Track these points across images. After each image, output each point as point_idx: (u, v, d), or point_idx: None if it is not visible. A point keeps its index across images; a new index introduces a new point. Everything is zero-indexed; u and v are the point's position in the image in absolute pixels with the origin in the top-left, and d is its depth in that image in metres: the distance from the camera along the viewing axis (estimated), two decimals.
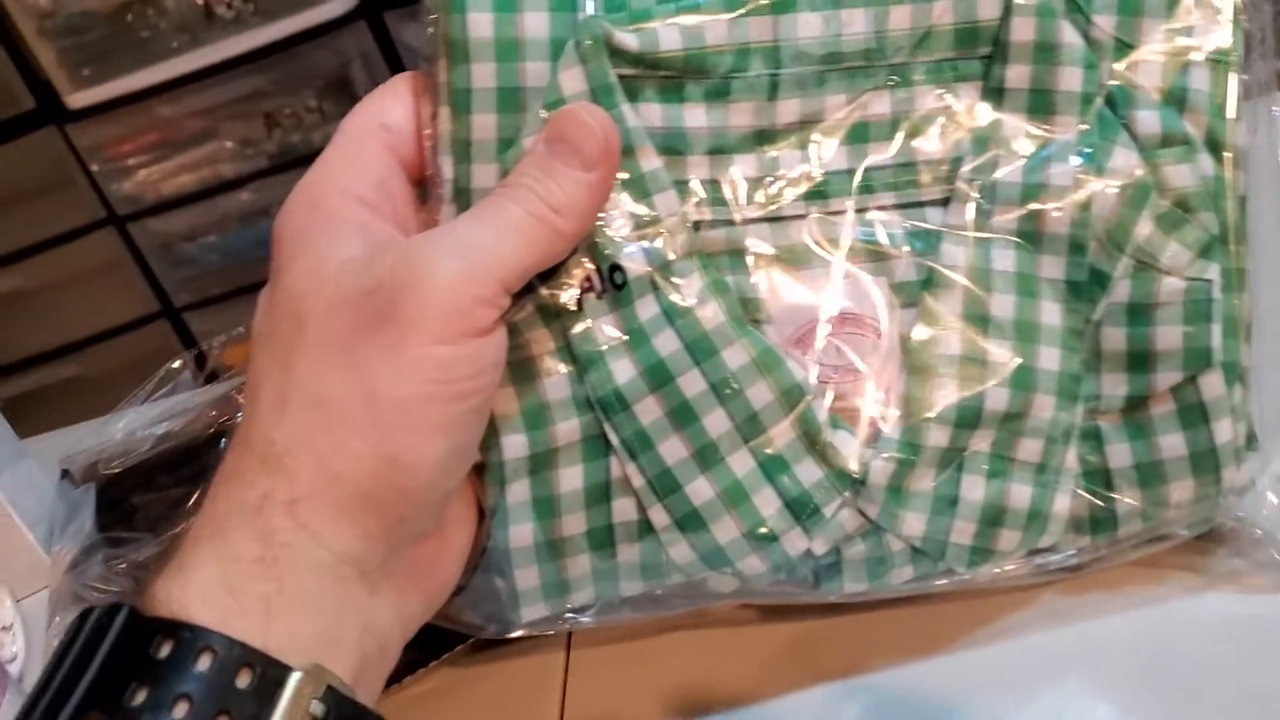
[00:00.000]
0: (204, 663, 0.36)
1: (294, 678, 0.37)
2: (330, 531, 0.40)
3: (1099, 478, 0.51)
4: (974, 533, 0.50)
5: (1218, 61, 0.49)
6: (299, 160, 1.62)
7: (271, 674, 0.37)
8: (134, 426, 0.71)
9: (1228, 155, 0.49)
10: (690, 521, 0.49)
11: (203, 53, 1.51)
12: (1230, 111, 0.49)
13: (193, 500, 0.62)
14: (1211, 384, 0.49)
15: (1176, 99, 0.48)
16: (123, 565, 0.61)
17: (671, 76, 0.47)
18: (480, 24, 0.45)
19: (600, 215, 0.46)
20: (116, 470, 0.68)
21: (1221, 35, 0.48)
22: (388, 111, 0.47)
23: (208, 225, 1.66)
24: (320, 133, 1.60)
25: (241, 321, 0.75)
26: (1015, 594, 0.53)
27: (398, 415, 0.40)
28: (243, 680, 0.36)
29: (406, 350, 0.40)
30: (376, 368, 0.40)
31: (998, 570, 0.51)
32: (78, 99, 1.52)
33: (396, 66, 1.50)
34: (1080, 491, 0.51)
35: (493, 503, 0.48)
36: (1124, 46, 0.48)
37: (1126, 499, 0.50)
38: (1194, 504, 0.51)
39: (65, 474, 0.73)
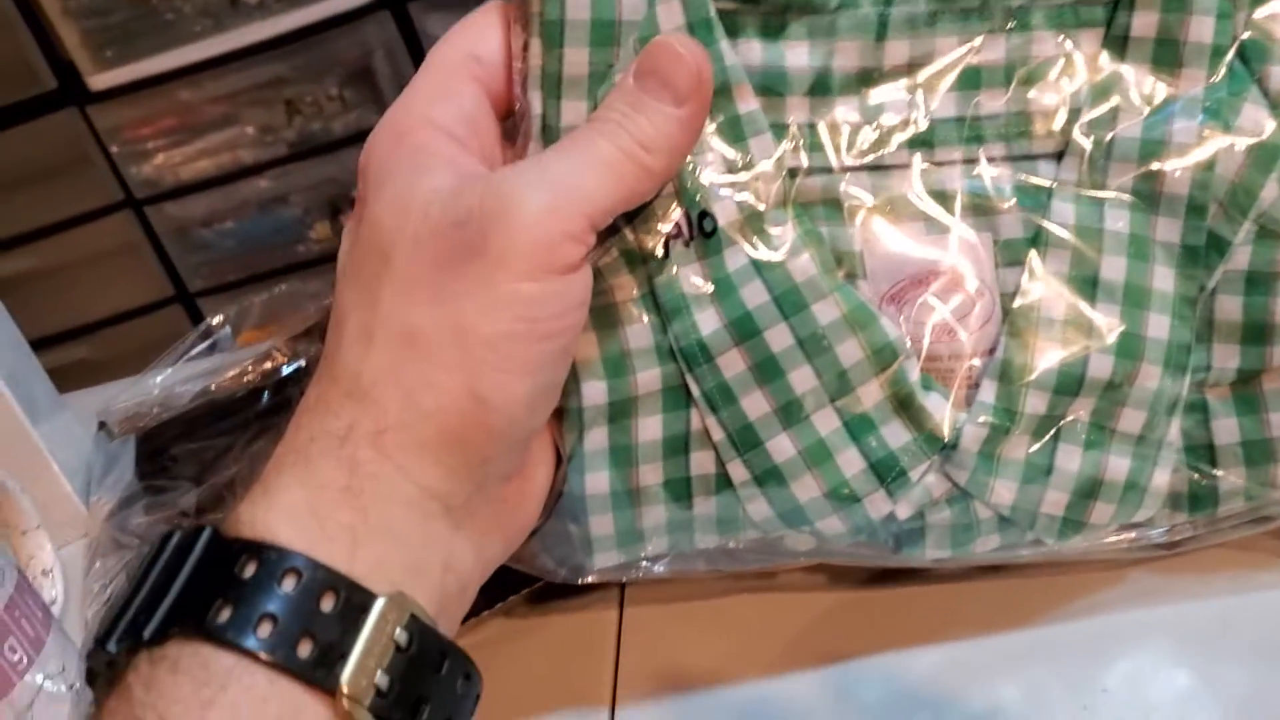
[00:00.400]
0: (288, 584, 0.35)
1: (379, 603, 0.36)
2: (416, 466, 0.39)
3: (1202, 453, 0.49)
4: (1067, 504, 0.48)
5: None
6: (319, 148, 1.61)
7: (356, 599, 0.36)
8: (171, 382, 0.69)
9: None
10: (770, 478, 0.47)
11: (226, 38, 1.51)
12: None
13: (234, 450, 0.61)
14: None
15: None
16: (166, 513, 0.60)
17: (774, 12, 0.45)
18: None
19: (691, 159, 0.44)
20: (156, 422, 0.67)
21: None
22: (479, 42, 0.45)
23: (225, 211, 1.66)
24: (341, 121, 1.60)
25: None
26: (1103, 569, 0.52)
27: (486, 352, 0.39)
28: (327, 604, 0.35)
29: (495, 286, 0.39)
30: (464, 303, 0.39)
31: (1087, 543, 0.49)
32: (99, 80, 1.52)
33: (420, 56, 1.49)
34: (1181, 467, 0.49)
35: (570, 449, 0.47)
36: None
37: (1230, 476, 0.48)
38: None
39: (102, 426, 0.72)
